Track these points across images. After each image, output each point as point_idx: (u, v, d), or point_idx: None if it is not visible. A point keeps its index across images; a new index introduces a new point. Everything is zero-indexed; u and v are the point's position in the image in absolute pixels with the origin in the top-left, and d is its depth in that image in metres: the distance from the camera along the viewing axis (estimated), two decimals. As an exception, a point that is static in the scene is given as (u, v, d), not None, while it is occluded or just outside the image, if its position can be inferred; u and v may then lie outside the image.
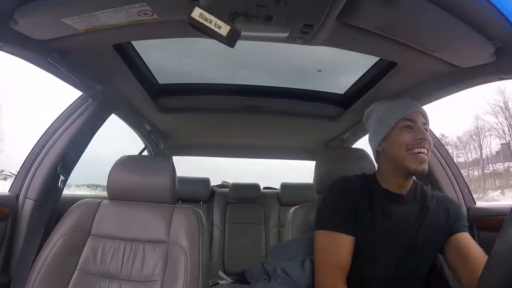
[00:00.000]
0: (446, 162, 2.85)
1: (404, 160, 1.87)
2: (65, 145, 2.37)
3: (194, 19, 1.34)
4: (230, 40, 1.41)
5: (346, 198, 1.95)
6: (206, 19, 1.35)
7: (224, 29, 1.37)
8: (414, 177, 2.03)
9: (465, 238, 1.93)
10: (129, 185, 2.31)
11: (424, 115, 1.95)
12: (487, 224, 2.39)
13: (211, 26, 1.35)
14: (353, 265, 1.85)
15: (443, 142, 2.84)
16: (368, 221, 1.89)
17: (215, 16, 1.35)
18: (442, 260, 2.07)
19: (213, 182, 5.23)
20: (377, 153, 2.07)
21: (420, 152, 1.85)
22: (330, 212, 1.96)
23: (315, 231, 1.97)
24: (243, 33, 1.74)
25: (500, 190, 25.01)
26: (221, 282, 4.11)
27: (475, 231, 2.52)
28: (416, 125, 1.89)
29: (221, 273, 4.26)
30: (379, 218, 1.90)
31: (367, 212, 1.91)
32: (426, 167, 1.86)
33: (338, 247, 1.85)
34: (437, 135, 2.87)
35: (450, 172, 2.79)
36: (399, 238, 1.88)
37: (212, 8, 1.37)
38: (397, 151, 1.90)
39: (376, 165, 2.17)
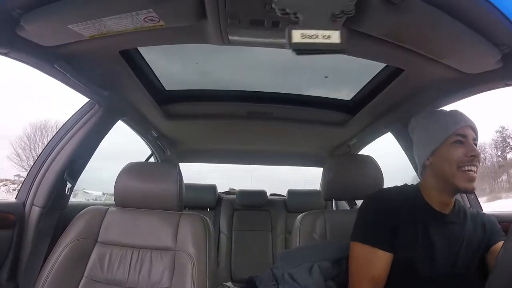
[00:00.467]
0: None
1: (454, 178, 1.80)
2: (72, 152, 2.36)
3: (299, 43, 1.20)
4: (344, 43, 1.24)
5: (387, 212, 1.88)
6: (310, 37, 1.20)
7: (335, 36, 1.22)
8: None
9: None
10: (136, 192, 2.31)
11: (474, 130, 1.88)
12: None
13: (320, 40, 1.20)
14: (393, 282, 1.82)
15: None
16: (409, 239, 1.84)
17: (317, 28, 1.20)
18: None
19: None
20: (423, 167, 1.98)
21: (471, 170, 1.79)
22: (368, 225, 1.91)
23: (351, 242, 1.93)
24: (249, 39, 1.74)
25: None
26: (227, 284, 4.11)
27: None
28: (467, 141, 1.83)
29: (229, 284, 4.25)
30: (421, 237, 1.84)
31: (408, 229, 1.85)
32: (475, 186, 1.81)
33: (374, 262, 1.81)
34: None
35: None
36: (440, 259, 1.83)
37: (307, 21, 1.22)
38: (447, 167, 1.83)
39: (419, 178, 2.10)
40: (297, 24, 1.21)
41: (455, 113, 1.92)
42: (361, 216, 1.97)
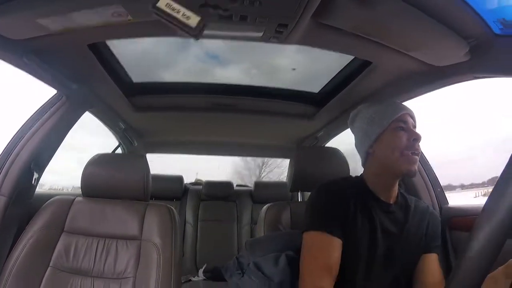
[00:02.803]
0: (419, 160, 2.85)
1: (396, 162, 1.85)
2: (39, 142, 2.34)
3: (160, 8, 1.27)
4: (199, 32, 1.33)
5: (336, 201, 1.90)
6: (173, 9, 1.28)
7: (193, 20, 1.30)
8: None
9: (433, 260, 1.94)
10: (103, 182, 2.33)
11: (413, 118, 1.93)
12: (459, 224, 2.41)
13: (179, 16, 1.28)
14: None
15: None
16: (354, 226, 1.86)
17: (183, 6, 1.28)
18: None
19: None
20: (366, 155, 2.02)
21: (414, 153, 1.84)
22: (319, 213, 1.91)
23: (304, 233, 1.92)
24: (217, 32, 1.76)
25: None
26: (193, 278, 4.12)
27: (447, 230, 2.54)
28: (408, 127, 1.88)
29: (195, 278, 4.26)
30: (365, 224, 1.88)
31: (355, 217, 1.88)
32: (416, 168, 1.85)
33: (329, 249, 1.81)
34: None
35: (423, 170, 2.78)
36: (379, 247, 1.87)
37: None
38: (390, 153, 1.87)
39: (362, 168, 2.10)
40: None
41: (394, 102, 2.01)
42: (313, 205, 1.99)
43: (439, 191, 2.77)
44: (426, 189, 2.73)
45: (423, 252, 1.94)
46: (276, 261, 1.98)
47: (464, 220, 2.33)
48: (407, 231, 1.93)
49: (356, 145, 2.08)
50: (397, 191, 2.00)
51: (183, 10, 1.28)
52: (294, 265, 1.93)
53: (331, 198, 1.92)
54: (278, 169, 18.89)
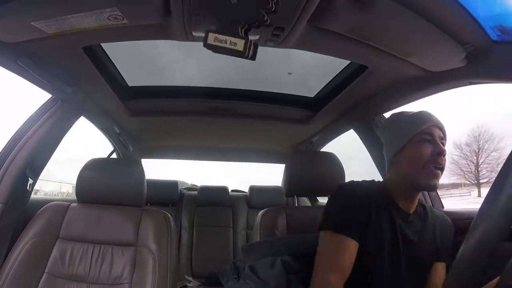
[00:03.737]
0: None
1: (416, 175, 1.82)
2: (34, 148, 2.33)
3: (211, 44, 1.39)
4: (249, 52, 1.45)
5: (359, 203, 1.87)
6: (221, 41, 1.39)
7: (239, 44, 1.40)
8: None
9: (441, 269, 1.94)
10: (98, 188, 2.32)
11: (442, 130, 1.89)
12: (455, 228, 2.42)
13: (228, 46, 1.39)
14: (357, 275, 1.80)
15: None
16: (377, 231, 1.84)
17: (227, 35, 1.38)
18: None
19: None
20: (390, 164, 1.99)
21: (437, 167, 1.81)
22: (338, 213, 1.88)
23: (321, 231, 1.90)
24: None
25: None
26: (189, 284, 4.11)
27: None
28: (434, 139, 1.84)
29: (190, 278, 4.26)
30: (387, 231, 1.86)
31: (377, 222, 1.85)
32: (438, 183, 1.83)
33: (344, 251, 1.79)
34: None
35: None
36: (401, 255, 1.85)
37: (222, 28, 1.40)
38: (412, 164, 1.84)
39: (387, 174, 2.07)
40: (213, 29, 1.39)
41: (423, 113, 1.94)
42: (333, 204, 1.96)
43: (434, 196, 2.77)
44: (421, 194, 2.71)
45: (435, 260, 1.94)
46: (271, 265, 1.98)
47: (459, 224, 2.32)
48: (424, 240, 1.92)
49: (384, 152, 2.05)
50: (417, 202, 1.98)
51: (229, 39, 1.39)
52: (289, 269, 1.92)
53: (351, 199, 1.89)
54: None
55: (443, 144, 1.86)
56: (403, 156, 1.89)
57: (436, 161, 1.80)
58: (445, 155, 1.83)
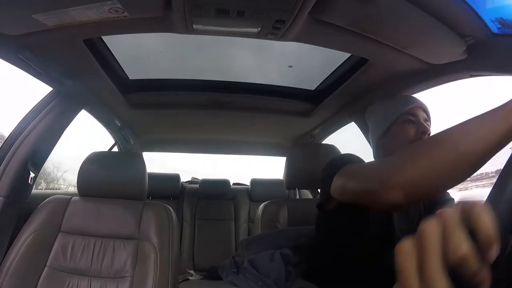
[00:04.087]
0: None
1: None
2: (35, 141, 2.33)
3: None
4: None
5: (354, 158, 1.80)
6: None
7: None
8: None
9: None
10: (100, 181, 2.32)
11: (425, 111, 1.91)
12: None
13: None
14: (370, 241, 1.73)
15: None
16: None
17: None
18: None
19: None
20: (376, 147, 2.01)
21: None
22: (344, 160, 1.71)
23: (335, 176, 1.65)
24: (213, 28, 1.75)
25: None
26: (190, 278, 4.11)
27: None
28: (417, 120, 1.85)
29: (191, 272, 4.26)
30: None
31: None
32: None
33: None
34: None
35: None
36: (396, 236, 1.76)
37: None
38: (397, 144, 1.85)
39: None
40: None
41: (407, 96, 1.98)
42: (333, 161, 1.80)
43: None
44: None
45: None
46: (271, 258, 1.98)
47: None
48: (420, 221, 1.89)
49: (370, 138, 2.06)
50: None
51: None
52: (288, 262, 1.92)
53: (347, 157, 1.80)
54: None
55: (428, 126, 1.87)
56: (388, 138, 1.91)
57: (420, 139, 1.81)
58: (429, 134, 1.84)
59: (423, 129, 1.82)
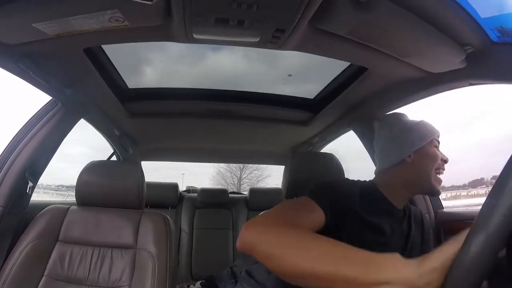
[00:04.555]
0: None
1: (431, 177, 1.84)
2: (33, 151, 2.33)
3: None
4: None
5: (346, 195, 1.78)
6: None
7: None
8: None
9: None
10: (98, 190, 2.31)
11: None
12: (454, 229, 2.41)
13: None
14: None
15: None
16: (359, 221, 1.75)
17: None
18: None
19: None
20: (399, 163, 1.93)
21: (440, 173, 1.86)
22: (318, 189, 1.74)
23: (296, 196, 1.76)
24: (213, 37, 1.75)
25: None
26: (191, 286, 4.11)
27: (442, 235, 2.54)
28: (438, 148, 1.90)
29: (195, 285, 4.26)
30: (374, 222, 1.79)
31: (361, 214, 1.76)
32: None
33: (305, 210, 1.62)
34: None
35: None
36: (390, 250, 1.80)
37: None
38: (429, 165, 1.85)
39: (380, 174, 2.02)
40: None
41: (431, 124, 1.97)
42: (316, 185, 1.81)
43: (433, 196, 2.74)
44: (421, 195, 2.71)
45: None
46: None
47: (459, 225, 2.31)
48: (412, 239, 1.92)
49: (386, 150, 2.01)
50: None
51: None
52: None
53: (339, 190, 1.80)
54: (257, 172, 19.51)
55: None
56: (420, 156, 1.88)
57: (442, 167, 1.86)
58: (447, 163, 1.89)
59: (445, 159, 1.87)
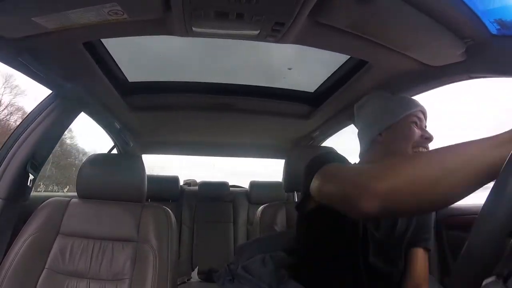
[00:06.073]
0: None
1: (407, 153, 1.77)
2: (34, 143, 2.34)
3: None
4: None
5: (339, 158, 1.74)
6: None
7: None
8: None
9: (421, 256, 1.89)
10: (99, 183, 2.32)
11: (426, 118, 1.89)
12: (455, 223, 2.41)
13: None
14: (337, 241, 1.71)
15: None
16: None
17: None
18: None
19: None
20: (372, 143, 1.93)
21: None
22: (325, 158, 1.65)
23: (315, 176, 1.58)
24: (213, 30, 1.75)
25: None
26: (188, 280, 4.12)
27: (443, 230, 2.54)
28: (421, 124, 1.83)
29: (193, 274, 4.26)
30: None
31: None
32: None
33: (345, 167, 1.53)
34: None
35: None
36: (367, 237, 1.75)
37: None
38: (402, 143, 1.78)
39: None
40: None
41: (412, 98, 1.94)
42: (315, 158, 1.72)
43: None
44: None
45: (410, 246, 1.89)
46: (262, 262, 1.97)
47: (460, 220, 2.31)
48: (400, 224, 1.87)
49: (361, 131, 2.02)
50: None
51: None
52: (281, 264, 1.91)
53: (330, 155, 1.76)
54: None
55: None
56: (390, 135, 1.86)
57: (423, 145, 1.79)
58: (431, 139, 1.81)
59: (428, 136, 1.79)
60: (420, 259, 1.90)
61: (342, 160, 1.74)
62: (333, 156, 1.71)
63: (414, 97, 2.10)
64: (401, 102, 1.89)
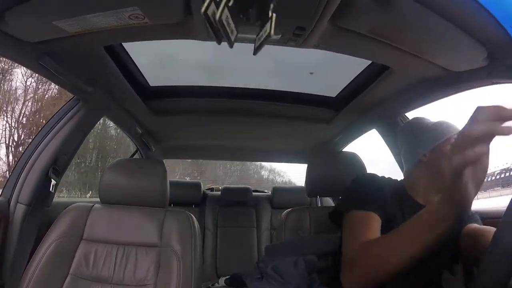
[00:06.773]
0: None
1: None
2: (56, 148, 2.35)
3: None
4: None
5: (378, 189, 1.89)
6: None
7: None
8: None
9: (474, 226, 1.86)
10: (121, 189, 2.31)
11: None
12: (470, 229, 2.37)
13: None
14: None
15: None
16: (391, 221, 1.80)
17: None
18: None
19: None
20: (417, 163, 1.98)
21: None
22: (362, 194, 1.87)
23: (345, 213, 1.87)
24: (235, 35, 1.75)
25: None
26: (212, 286, 4.12)
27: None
28: None
29: (219, 281, 4.27)
30: (399, 219, 1.81)
31: (396, 212, 1.85)
32: None
33: (370, 224, 1.75)
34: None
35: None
36: None
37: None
38: (445, 163, 1.81)
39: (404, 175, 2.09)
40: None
41: (451, 123, 1.95)
42: (354, 188, 1.97)
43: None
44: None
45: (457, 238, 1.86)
46: (294, 264, 1.97)
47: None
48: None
49: (406, 152, 2.07)
50: None
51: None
52: (313, 268, 1.91)
53: (372, 184, 1.92)
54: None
55: None
56: (435, 156, 1.89)
57: None
58: None
59: None
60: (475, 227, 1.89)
61: (377, 190, 1.90)
62: (369, 191, 1.90)
63: (436, 102, 2.11)
64: (441, 126, 1.92)
